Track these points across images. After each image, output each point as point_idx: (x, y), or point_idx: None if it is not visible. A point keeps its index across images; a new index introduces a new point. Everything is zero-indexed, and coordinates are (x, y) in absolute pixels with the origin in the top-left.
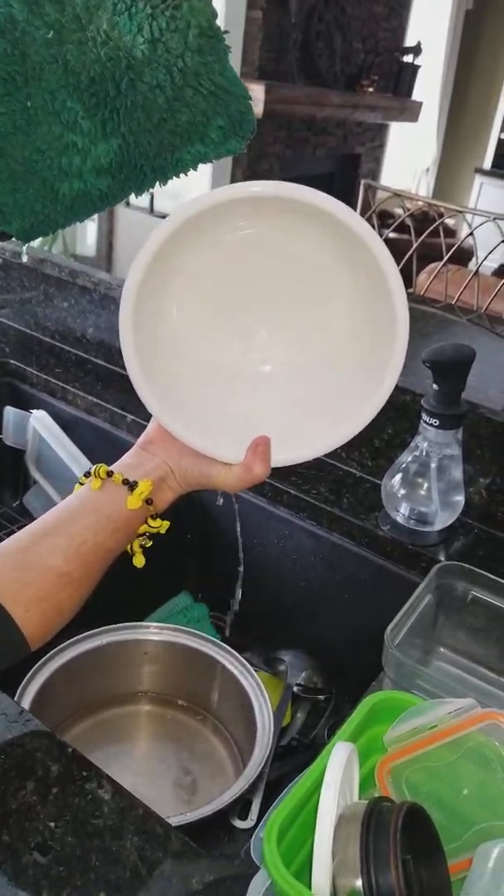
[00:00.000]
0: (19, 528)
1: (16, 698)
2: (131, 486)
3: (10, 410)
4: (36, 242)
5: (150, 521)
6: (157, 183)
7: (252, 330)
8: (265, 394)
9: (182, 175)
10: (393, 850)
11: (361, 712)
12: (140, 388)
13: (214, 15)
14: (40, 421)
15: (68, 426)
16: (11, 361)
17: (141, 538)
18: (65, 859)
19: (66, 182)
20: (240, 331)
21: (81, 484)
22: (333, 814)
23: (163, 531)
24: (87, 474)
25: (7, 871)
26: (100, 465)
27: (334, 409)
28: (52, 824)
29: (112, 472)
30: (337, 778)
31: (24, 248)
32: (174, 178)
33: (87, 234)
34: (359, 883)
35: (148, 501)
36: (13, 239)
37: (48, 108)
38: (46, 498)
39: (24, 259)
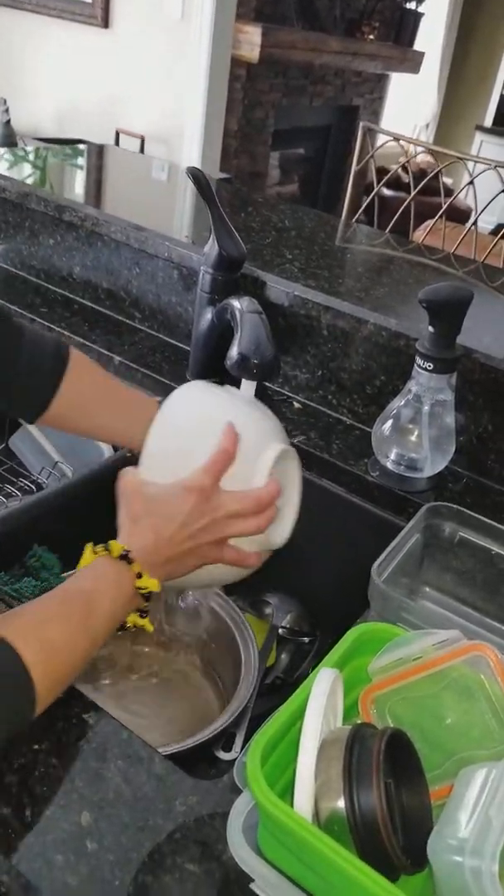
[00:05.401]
0: (5, 470)
1: None
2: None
3: None
4: (19, 175)
5: (137, 582)
6: None
7: None
8: None
9: None
10: (375, 771)
11: (346, 642)
12: None
13: None
14: None
15: None
16: None
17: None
18: (48, 780)
19: None
20: None
21: (95, 553)
22: (318, 734)
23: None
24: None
25: None
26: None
27: None
28: (36, 746)
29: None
30: (321, 701)
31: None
32: None
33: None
34: (341, 804)
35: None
36: None
37: None
38: (32, 440)
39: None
